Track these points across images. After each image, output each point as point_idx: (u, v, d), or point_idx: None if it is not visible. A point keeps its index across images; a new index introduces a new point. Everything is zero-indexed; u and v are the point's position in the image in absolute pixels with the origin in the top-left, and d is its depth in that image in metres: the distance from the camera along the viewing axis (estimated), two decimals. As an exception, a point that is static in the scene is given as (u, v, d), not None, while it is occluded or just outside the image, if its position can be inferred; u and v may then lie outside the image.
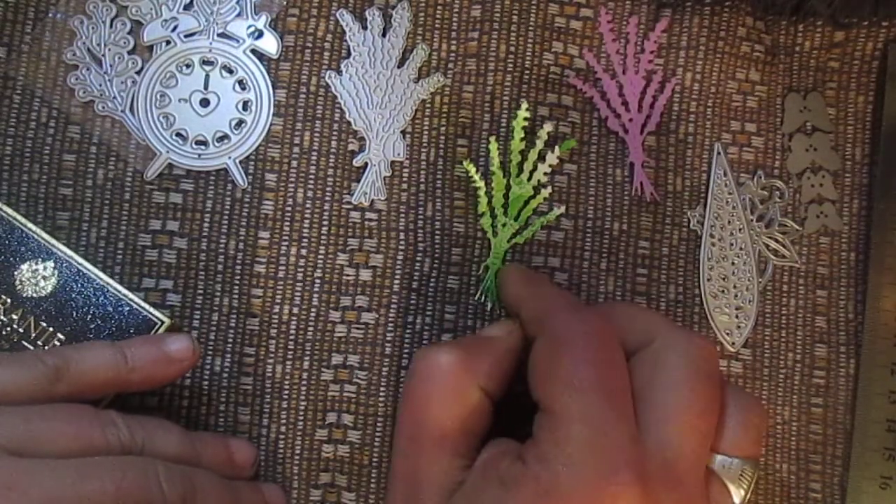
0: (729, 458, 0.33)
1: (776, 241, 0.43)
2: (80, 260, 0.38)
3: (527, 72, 0.42)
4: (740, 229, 0.43)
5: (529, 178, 0.42)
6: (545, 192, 0.42)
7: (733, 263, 0.43)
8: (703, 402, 0.32)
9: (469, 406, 0.33)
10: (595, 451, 0.30)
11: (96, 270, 0.38)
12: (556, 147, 0.42)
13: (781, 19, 0.43)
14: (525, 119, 0.41)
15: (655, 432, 0.31)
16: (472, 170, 0.41)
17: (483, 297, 0.41)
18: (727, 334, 0.42)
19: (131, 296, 0.38)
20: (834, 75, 0.44)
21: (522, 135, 0.42)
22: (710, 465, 0.33)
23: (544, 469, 0.30)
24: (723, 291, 0.42)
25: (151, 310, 0.38)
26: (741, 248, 0.43)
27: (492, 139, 0.41)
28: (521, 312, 0.36)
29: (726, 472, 0.33)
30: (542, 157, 0.42)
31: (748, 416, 0.34)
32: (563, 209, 0.42)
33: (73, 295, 0.37)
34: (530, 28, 0.42)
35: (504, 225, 0.42)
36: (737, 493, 0.33)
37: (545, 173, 0.42)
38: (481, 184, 0.41)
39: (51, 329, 0.37)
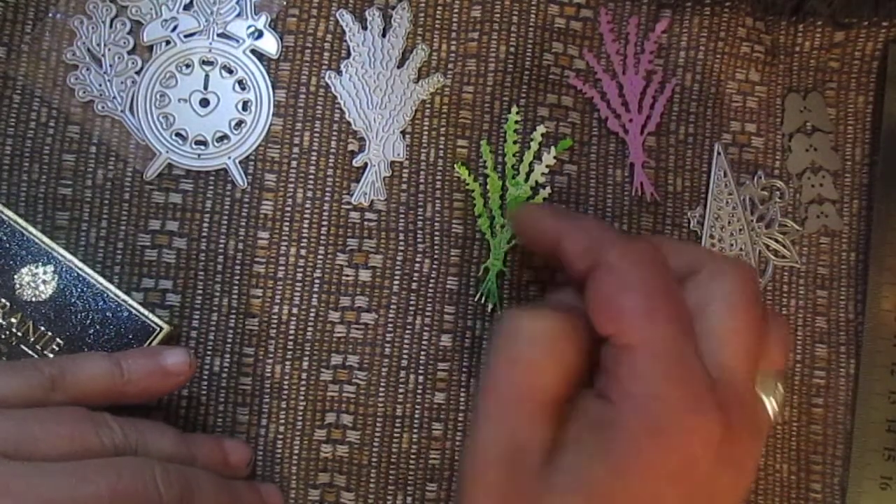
0: (764, 374, 0.33)
1: (776, 241, 0.42)
2: (80, 264, 0.37)
3: (526, 72, 0.42)
4: (740, 229, 0.42)
5: (527, 179, 0.41)
6: (544, 193, 0.41)
7: (733, 264, 0.42)
8: (755, 326, 0.32)
9: (572, 369, 0.31)
10: (679, 382, 0.29)
11: (96, 275, 0.37)
12: (553, 147, 0.41)
13: (781, 19, 0.43)
14: (516, 122, 0.41)
15: (715, 357, 0.31)
16: (465, 172, 0.41)
17: (483, 299, 0.40)
18: (727, 334, 0.41)
19: (130, 301, 0.37)
20: (834, 75, 0.43)
21: (515, 137, 0.41)
22: None
23: (635, 406, 0.29)
24: (723, 292, 0.42)
25: (150, 316, 0.37)
26: (741, 249, 0.42)
27: (482, 142, 0.41)
28: (564, 245, 0.33)
29: (762, 387, 0.33)
30: (538, 158, 0.42)
31: (780, 333, 0.34)
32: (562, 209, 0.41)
33: (73, 300, 0.37)
34: (530, 28, 0.42)
35: (503, 226, 0.41)
36: (771, 407, 0.33)
37: (543, 174, 0.41)
38: (475, 186, 0.41)
39: (49, 333, 0.37)
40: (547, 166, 0.41)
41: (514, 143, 0.41)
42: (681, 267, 0.33)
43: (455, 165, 0.41)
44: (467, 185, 0.41)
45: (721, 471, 0.30)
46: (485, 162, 0.41)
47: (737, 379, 0.31)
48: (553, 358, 0.31)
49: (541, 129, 0.41)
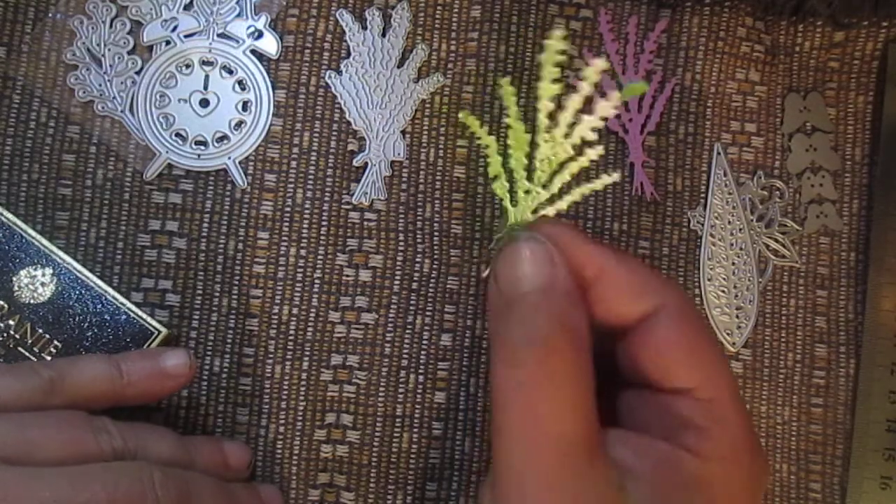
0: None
1: (776, 241, 0.41)
2: (79, 267, 0.36)
3: (526, 72, 0.40)
4: (740, 229, 0.41)
5: (568, 135, 0.28)
6: (592, 154, 0.28)
7: (733, 263, 0.40)
8: None
9: (591, 389, 0.27)
10: (756, 443, 0.28)
11: (95, 278, 0.36)
12: (617, 92, 0.27)
13: (781, 19, 0.41)
14: (560, 52, 0.26)
15: None
16: (475, 124, 0.28)
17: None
18: (727, 334, 0.40)
19: (129, 304, 0.36)
20: (834, 75, 0.42)
21: (557, 74, 0.26)
22: None
23: (727, 466, 0.27)
24: (723, 291, 0.40)
25: (149, 319, 0.36)
26: (741, 249, 0.41)
27: (503, 81, 0.27)
28: (613, 277, 0.28)
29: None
30: (589, 107, 0.27)
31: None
32: (616, 177, 0.30)
33: (71, 302, 0.36)
34: (530, 28, 0.40)
35: (527, 192, 0.29)
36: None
37: (594, 129, 0.27)
38: (489, 140, 0.29)
39: (47, 336, 0.35)
40: (602, 119, 0.27)
41: (555, 81, 0.27)
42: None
43: (460, 115, 0.33)
44: (479, 139, 0.29)
45: None
46: (507, 107, 0.28)
47: None
48: (574, 389, 0.27)
49: (600, 63, 0.26)
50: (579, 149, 0.28)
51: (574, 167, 0.29)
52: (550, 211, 0.30)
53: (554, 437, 0.26)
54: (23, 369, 0.32)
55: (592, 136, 0.27)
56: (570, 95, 0.27)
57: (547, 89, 0.27)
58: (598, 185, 0.29)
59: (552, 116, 0.28)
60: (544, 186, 0.29)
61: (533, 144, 0.28)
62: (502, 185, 0.29)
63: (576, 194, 0.30)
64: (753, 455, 0.28)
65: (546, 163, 0.28)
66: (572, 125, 0.28)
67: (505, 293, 0.28)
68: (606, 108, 0.27)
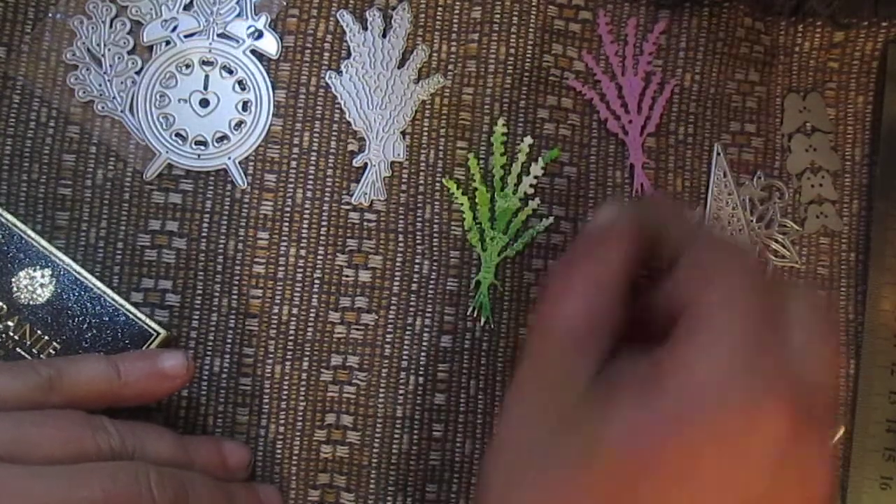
0: None
1: (776, 241, 0.41)
2: (78, 268, 0.36)
3: (526, 74, 0.40)
4: (740, 230, 0.41)
5: (515, 191, 0.40)
6: (533, 204, 0.40)
7: (734, 264, 0.40)
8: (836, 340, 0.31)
9: (604, 302, 0.29)
10: (746, 366, 0.25)
11: (94, 279, 0.36)
12: (540, 158, 0.40)
13: (780, 20, 0.41)
14: (503, 134, 0.40)
15: (800, 363, 0.27)
16: (454, 186, 0.39)
17: (475, 312, 0.39)
18: (728, 335, 0.40)
19: (128, 306, 0.36)
20: (834, 75, 0.42)
21: (503, 149, 0.40)
22: None
23: (683, 372, 0.25)
24: (723, 292, 0.40)
25: (148, 321, 0.36)
26: (741, 249, 0.40)
27: (470, 156, 0.40)
28: (669, 228, 0.31)
29: None
30: (526, 170, 0.40)
31: None
32: (551, 220, 0.40)
33: (70, 303, 0.35)
34: (530, 30, 0.40)
35: (493, 238, 0.39)
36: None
37: (531, 185, 0.40)
38: (464, 199, 0.39)
39: (46, 337, 0.35)
40: (535, 177, 0.40)
41: (502, 155, 0.40)
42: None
43: (443, 180, 0.39)
44: (456, 198, 0.39)
45: (784, 482, 0.26)
46: (473, 175, 0.40)
47: (823, 394, 0.27)
48: (583, 291, 0.29)
49: (527, 140, 0.40)
50: (525, 201, 0.40)
51: (522, 215, 0.40)
52: (511, 252, 0.40)
53: (555, 324, 0.29)
54: (21, 367, 0.31)
55: (532, 191, 0.40)
56: (513, 162, 0.40)
57: (498, 160, 0.40)
58: (540, 227, 0.40)
59: (504, 179, 0.40)
60: (504, 232, 0.40)
61: (493, 200, 0.40)
62: (475, 235, 0.40)
63: (526, 236, 0.40)
64: (735, 381, 0.25)
65: (502, 213, 0.40)
66: (517, 184, 0.40)
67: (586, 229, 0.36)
68: (537, 169, 0.40)
